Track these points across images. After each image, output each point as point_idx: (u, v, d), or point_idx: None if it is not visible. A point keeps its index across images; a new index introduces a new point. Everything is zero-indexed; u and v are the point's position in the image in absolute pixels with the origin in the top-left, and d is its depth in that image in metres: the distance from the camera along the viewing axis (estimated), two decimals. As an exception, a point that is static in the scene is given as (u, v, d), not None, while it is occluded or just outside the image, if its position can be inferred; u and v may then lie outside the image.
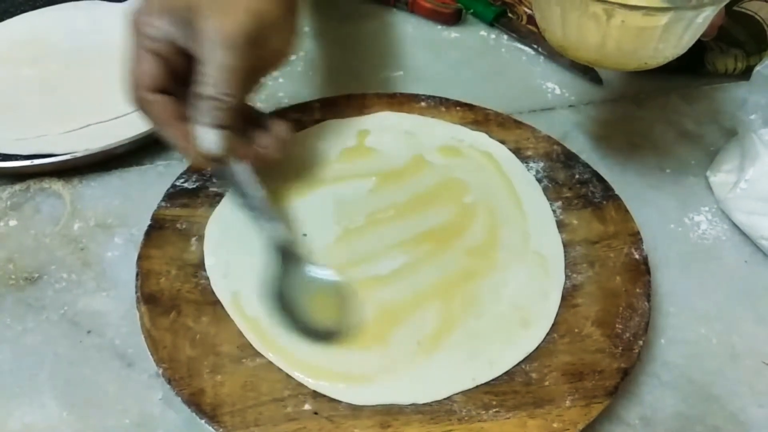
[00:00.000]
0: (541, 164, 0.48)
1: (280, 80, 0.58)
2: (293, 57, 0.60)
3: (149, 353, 0.36)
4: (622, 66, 0.42)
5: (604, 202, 0.45)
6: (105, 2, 0.63)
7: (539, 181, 0.47)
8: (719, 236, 0.47)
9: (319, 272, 0.40)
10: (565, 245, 0.43)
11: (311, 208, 0.45)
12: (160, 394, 0.37)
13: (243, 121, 0.38)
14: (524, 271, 0.42)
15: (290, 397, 0.35)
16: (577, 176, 0.47)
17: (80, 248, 0.44)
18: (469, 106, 0.52)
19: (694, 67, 0.59)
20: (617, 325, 0.39)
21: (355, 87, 0.56)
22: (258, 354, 0.37)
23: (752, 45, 0.57)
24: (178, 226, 0.43)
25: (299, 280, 0.39)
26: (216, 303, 0.39)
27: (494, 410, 0.35)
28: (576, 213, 0.45)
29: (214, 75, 0.34)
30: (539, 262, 0.42)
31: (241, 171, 0.39)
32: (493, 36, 0.65)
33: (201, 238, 0.42)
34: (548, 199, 0.46)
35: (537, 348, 0.38)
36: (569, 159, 0.49)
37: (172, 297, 0.39)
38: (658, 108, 0.57)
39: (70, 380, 0.38)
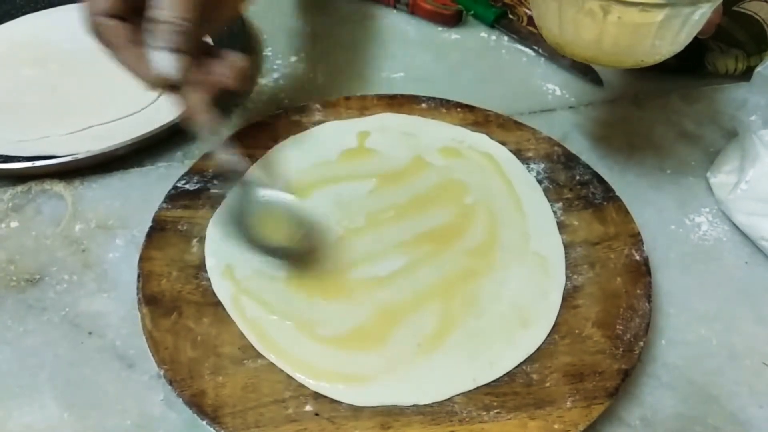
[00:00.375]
0: (542, 165, 0.48)
1: (281, 81, 0.58)
2: (294, 59, 0.60)
3: (150, 354, 0.36)
4: (618, 63, 0.42)
5: (605, 203, 0.46)
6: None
7: (540, 182, 0.47)
8: (719, 237, 0.47)
9: (275, 196, 0.40)
10: (566, 246, 0.43)
11: (312, 208, 0.45)
12: (161, 396, 0.37)
13: (199, 54, 0.38)
14: (525, 272, 0.42)
15: (291, 398, 0.35)
16: (577, 177, 0.47)
17: (81, 249, 0.44)
18: (470, 108, 0.52)
19: (694, 67, 0.59)
20: (618, 326, 0.39)
21: (355, 88, 0.56)
22: (259, 355, 0.37)
23: (752, 45, 0.57)
24: (179, 227, 0.43)
25: (254, 205, 0.39)
26: (217, 304, 0.39)
27: (495, 411, 0.35)
28: (576, 214, 0.45)
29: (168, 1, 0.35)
30: (540, 263, 0.42)
31: (198, 101, 0.38)
32: (493, 37, 0.65)
33: (202, 240, 0.43)
34: (549, 200, 0.46)
35: (538, 349, 0.38)
36: (570, 160, 0.49)
37: (173, 298, 0.39)
38: (658, 109, 0.57)
39: (71, 381, 0.38)
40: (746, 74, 0.56)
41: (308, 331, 0.38)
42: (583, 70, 0.59)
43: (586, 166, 0.48)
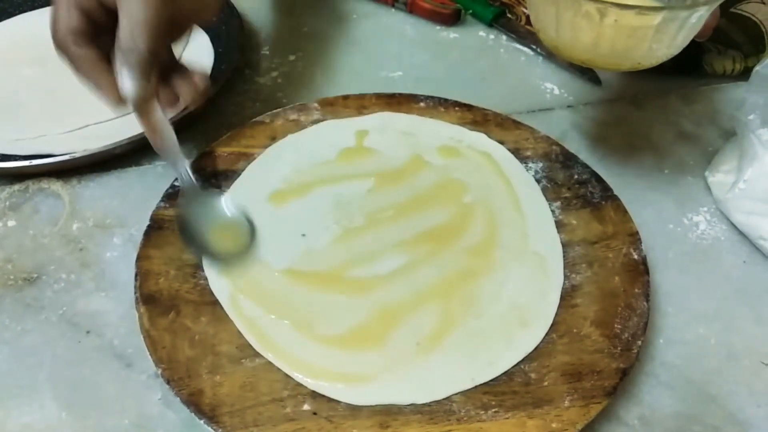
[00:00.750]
0: (540, 164, 0.48)
1: (279, 80, 0.58)
2: (292, 57, 0.60)
3: (148, 353, 0.36)
4: (615, 66, 0.42)
5: (603, 203, 0.46)
6: (104, 2, 0.63)
7: (538, 181, 0.47)
8: (718, 236, 0.47)
9: (221, 208, 0.41)
10: (564, 245, 0.43)
11: (310, 208, 0.45)
12: (159, 395, 0.37)
13: (166, 69, 0.41)
14: (523, 271, 0.42)
15: (289, 397, 0.35)
16: (575, 176, 0.47)
17: (79, 248, 0.44)
18: (468, 107, 0.52)
19: (691, 69, 0.59)
20: (616, 326, 0.39)
21: (353, 87, 0.56)
22: (257, 354, 0.37)
23: (750, 46, 0.57)
24: (177, 226, 0.43)
25: (204, 216, 0.41)
26: (215, 303, 0.39)
27: (493, 410, 0.35)
28: (575, 213, 0.45)
29: (130, 27, 0.37)
30: (538, 263, 0.42)
31: (159, 119, 0.40)
32: (491, 36, 0.65)
33: (200, 239, 0.42)
34: (547, 199, 0.46)
35: (536, 348, 0.38)
36: (568, 159, 0.49)
37: (171, 297, 0.39)
38: (656, 108, 0.57)
39: (69, 381, 0.38)
40: (744, 75, 0.56)
41: (307, 330, 0.38)
42: (582, 69, 0.59)
43: (585, 166, 0.48)
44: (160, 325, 0.38)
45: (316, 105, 0.52)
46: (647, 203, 0.48)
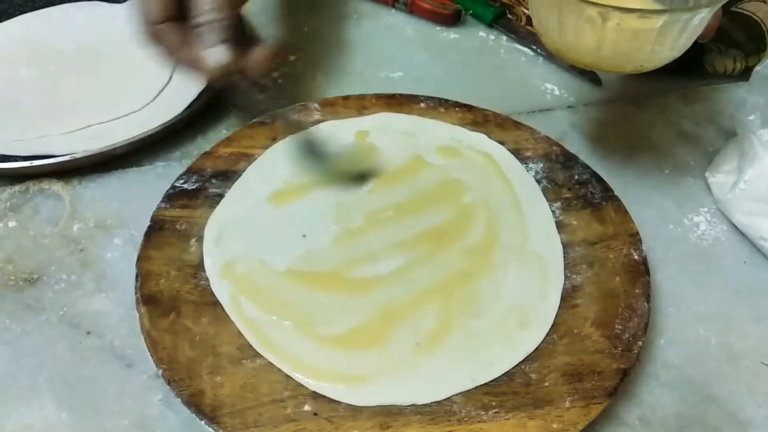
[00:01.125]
0: (540, 165, 0.48)
1: (280, 81, 0.58)
2: (293, 58, 0.60)
3: (149, 354, 0.36)
4: (618, 69, 0.42)
5: (604, 203, 0.46)
6: (104, 3, 0.63)
7: (538, 181, 0.47)
8: (718, 237, 0.47)
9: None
10: (565, 246, 0.43)
11: (310, 208, 0.45)
12: (159, 395, 0.37)
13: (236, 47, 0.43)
14: (523, 271, 0.42)
15: (290, 397, 0.35)
16: (576, 177, 0.47)
17: (80, 249, 0.44)
18: (468, 107, 0.52)
19: (692, 68, 0.59)
20: (616, 326, 0.39)
21: (354, 88, 0.56)
22: (258, 355, 0.37)
23: (751, 45, 0.57)
24: (178, 227, 0.43)
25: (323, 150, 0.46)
26: (215, 304, 0.39)
27: (494, 411, 0.35)
28: (575, 214, 0.45)
29: (209, 3, 0.41)
30: (538, 263, 0.42)
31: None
32: (492, 37, 0.65)
33: (200, 239, 0.42)
34: (547, 199, 0.46)
35: (536, 349, 0.38)
36: (568, 160, 0.49)
37: (172, 298, 0.39)
38: (657, 109, 0.57)
39: (70, 381, 0.38)
40: (745, 74, 0.56)
41: (307, 331, 0.38)
42: (582, 70, 0.59)
43: (585, 166, 0.48)
44: (160, 325, 0.38)
45: (316, 105, 0.52)
46: (648, 204, 0.48)
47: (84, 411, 0.37)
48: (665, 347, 0.41)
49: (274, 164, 0.47)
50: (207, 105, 0.52)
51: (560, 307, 0.40)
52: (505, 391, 0.36)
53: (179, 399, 0.35)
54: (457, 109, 0.52)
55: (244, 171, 0.47)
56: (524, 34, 0.63)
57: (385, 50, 0.63)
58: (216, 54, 0.41)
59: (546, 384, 0.36)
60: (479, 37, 0.65)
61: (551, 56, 0.61)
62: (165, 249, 0.42)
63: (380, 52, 0.62)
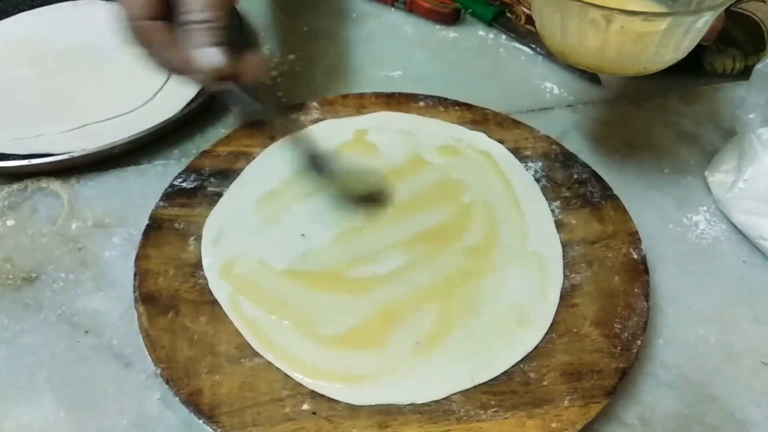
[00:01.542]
0: (540, 164, 0.48)
1: (279, 80, 0.58)
2: (292, 56, 0.60)
3: (147, 353, 0.36)
4: (622, 71, 0.42)
5: (603, 202, 0.45)
6: (102, 1, 0.63)
7: (538, 180, 0.47)
8: (717, 236, 0.47)
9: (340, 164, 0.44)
10: (564, 245, 0.43)
11: (310, 207, 0.45)
12: (158, 395, 0.37)
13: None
14: (523, 270, 0.42)
15: (288, 397, 0.35)
16: (575, 176, 0.47)
17: (78, 248, 0.44)
18: (468, 106, 0.52)
19: (692, 67, 0.59)
20: (616, 325, 0.39)
21: (353, 86, 0.56)
22: (256, 354, 0.37)
23: (750, 45, 0.57)
24: (176, 225, 0.43)
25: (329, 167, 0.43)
26: (214, 302, 0.39)
27: (493, 410, 0.35)
28: (574, 213, 0.45)
29: (203, 2, 0.38)
30: (537, 262, 0.42)
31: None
32: (491, 36, 0.65)
33: (199, 238, 0.42)
34: (547, 198, 0.46)
35: (535, 348, 0.38)
36: (568, 159, 0.49)
37: (170, 297, 0.39)
38: (656, 108, 0.57)
39: (68, 380, 0.38)
40: (744, 74, 0.57)
41: (306, 331, 0.38)
42: (581, 69, 0.59)
43: (584, 165, 0.48)
44: (159, 324, 0.38)
45: (315, 104, 0.52)
46: (647, 203, 0.48)
47: (82, 410, 0.37)
48: (664, 346, 0.41)
49: (273, 163, 0.47)
50: (206, 104, 0.52)
51: (559, 307, 0.40)
52: (504, 390, 0.36)
53: (178, 398, 0.35)
54: (456, 108, 0.52)
55: (243, 170, 0.47)
56: (524, 32, 0.63)
57: (385, 49, 0.62)
58: (209, 56, 0.38)
59: (545, 383, 0.36)
60: (479, 36, 0.65)
61: (551, 55, 0.61)
62: (163, 248, 0.41)
63: (379, 50, 0.62)
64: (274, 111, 0.44)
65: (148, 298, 0.39)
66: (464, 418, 0.35)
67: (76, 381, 0.38)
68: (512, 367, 0.37)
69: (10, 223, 0.46)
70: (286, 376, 0.36)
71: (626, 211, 0.45)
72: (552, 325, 0.39)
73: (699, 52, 0.58)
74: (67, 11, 0.62)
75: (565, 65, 0.60)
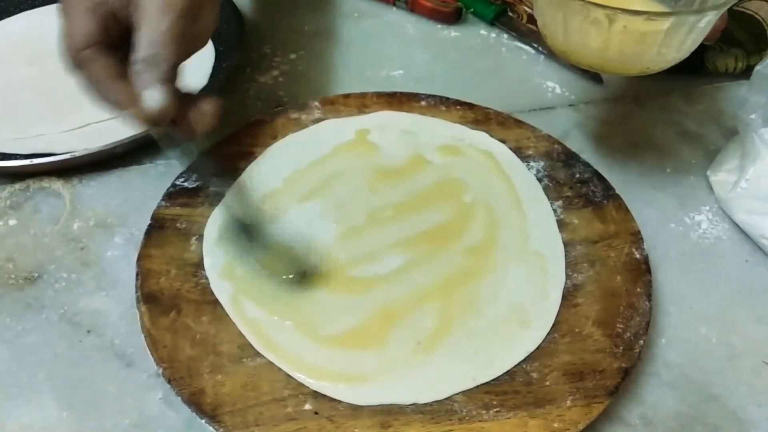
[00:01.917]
0: (542, 163, 0.48)
1: (280, 79, 0.58)
2: (293, 56, 0.60)
3: (149, 353, 0.36)
4: (624, 71, 0.42)
5: (605, 202, 0.45)
6: (104, 1, 0.63)
7: (539, 180, 0.47)
8: (720, 236, 0.47)
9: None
10: (566, 244, 0.43)
11: (311, 207, 0.45)
12: (159, 394, 0.37)
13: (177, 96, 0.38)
14: (524, 270, 0.42)
15: (290, 396, 0.35)
16: (577, 175, 0.47)
17: (80, 248, 0.44)
18: (469, 105, 0.52)
19: (694, 66, 0.59)
20: (618, 325, 0.39)
21: (354, 86, 0.56)
22: (258, 354, 0.37)
23: (752, 44, 0.57)
24: (178, 225, 0.43)
25: (262, 236, 0.41)
26: (216, 302, 0.39)
27: (495, 410, 0.35)
28: (576, 212, 0.45)
29: (152, 37, 0.35)
30: (539, 262, 0.42)
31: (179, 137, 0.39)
32: (493, 35, 0.65)
33: (201, 238, 0.42)
34: (548, 198, 0.46)
35: (537, 348, 0.38)
36: (569, 158, 0.48)
37: (172, 296, 0.39)
38: (658, 107, 0.57)
39: (70, 380, 0.38)
40: (746, 73, 0.56)
41: (308, 330, 0.38)
42: (583, 69, 0.59)
43: (586, 164, 0.48)
44: (161, 324, 0.38)
45: (317, 104, 0.52)
46: (649, 202, 0.48)
47: (84, 410, 0.37)
48: (666, 346, 0.41)
49: (275, 163, 0.47)
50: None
51: (561, 306, 0.40)
52: (506, 390, 0.36)
53: (180, 398, 0.35)
54: (458, 107, 0.52)
55: (244, 170, 0.47)
56: (525, 32, 0.63)
57: (386, 48, 0.62)
58: (153, 95, 0.35)
59: (547, 383, 0.36)
60: (480, 35, 0.65)
61: (552, 54, 0.61)
62: (165, 247, 0.41)
63: (381, 50, 0.62)
64: (207, 171, 0.41)
65: (150, 298, 0.39)
66: (466, 418, 0.35)
67: (78, 381, 0.38)
68: (514, 367, 0.37)
69: (12, 222, 0.46)
70: (288, 376, 0.36)
71: (628, 210, 0.45)
72: (554, 324, 0.39)
73: (701, 51, 0.58)
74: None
75: (567, 65, 0.60)
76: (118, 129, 0.49)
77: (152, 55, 0.35)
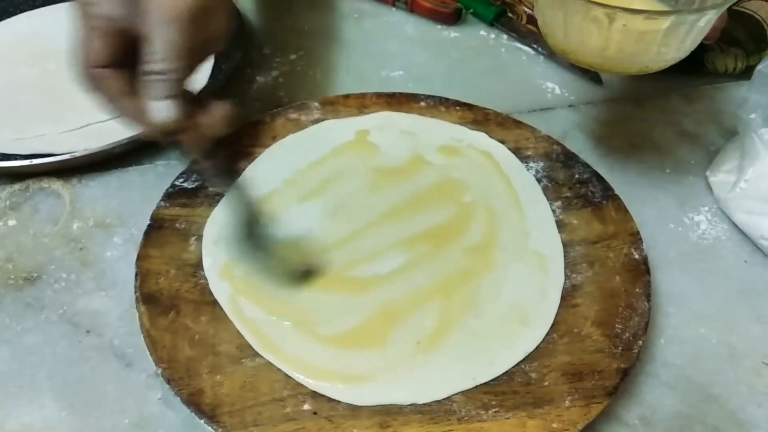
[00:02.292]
0: (541, 164, 0.48)
1: (280, 80, 0.58)
2: (293, 57, 0.60)
3: (148, 353, 0.36)
4: (624, 70, 0.42)
5: (604, 202, 0.45)
6: (104, 2, 0.63)
7: (539, 180, 0.47)
8: (719, 236, 0.47)
9: (281, 230, 0.42)
10: (565, 245, 0.43)
11: (311, 208, 0.45)
12: (159, 394, 0.37)
13: (187, 104, 0.38)
14: (523, 270, 0.42)
15: (289, 397, 0.35)
16: (576, 176, 0.47)
17: (79, 248, 0.44)
18: (469, 106, 0.52)
19: (693, 66, 0.59)
20: (617, 325, 0.39)
21: (354, 86, 0.56)
22: (257, 354, 0.37)
23: (752, 44, 0.57)
24: (177, 225, 0.43)
25: (264, 236, 0.41)
26: (215, 303, 0.39)
27: (494, 410, 0.35)
28: (575, 213, 0.45)
29: (161, 50, 0.35)
30: (538, 262, 0.42)
31: (195, 148, 0.39)
32: (492, 36, 0.65)
33: (200, 238, 0.42)
34: (548, 198, 0.46)
35: (536, 348, 0.38)
36: (569, 159, 0.48)
37: (171, 297, 0.39)
38: (657, 108, 0.57)
39: (69, 380, 0.38)
40: (746, 73, 0.56)
41: (307, 330, 0.38)
42: (583, 69, 0.59)
43: (586, 165, 0.48)
44: (160, 324, 0.38)
45: (316, 104, 0.52)
46: (648, 203, 0.48)
47: (84, 410, 0.37)
48: (666, 347, 0.41)
49: (274, 163, 0.47)
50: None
51: (560, 307, 0.40)
52: (505, 390, 0.36)
53: (179, 398, 0.35)
54: (457, 108, 0.52)
55: (244, 170, 0.47)
56: (525, 32, 0.63)
57: (386, 49, 0.62)
58: (162, 109, 0.36)
59: (546, 383, 0.36)
60: (480, 35, 0.65)
61: (552, 55, 0.61)
62: (165, 248, 0.42)
63: (381, 50, 0.62)
64: (221, 176, 0.41)
65: (149, 298, 0.39)
66: (465, 418, 0.35)
67: (78, 381, 0.38)
68: (513, 367, 0.37)
69: (11, 223, 0.46)
70: (287, 376, 0.36)
71: (627, 211, 0.45)
72: (553, 325, 0.39)
73: (701, 51, 0.58)
74: (68, 11, 0.62)
75: (567, 65, 0.60)
76: (117, 130, 0.48)
77: (160, 69, 0.35)
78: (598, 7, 0.38)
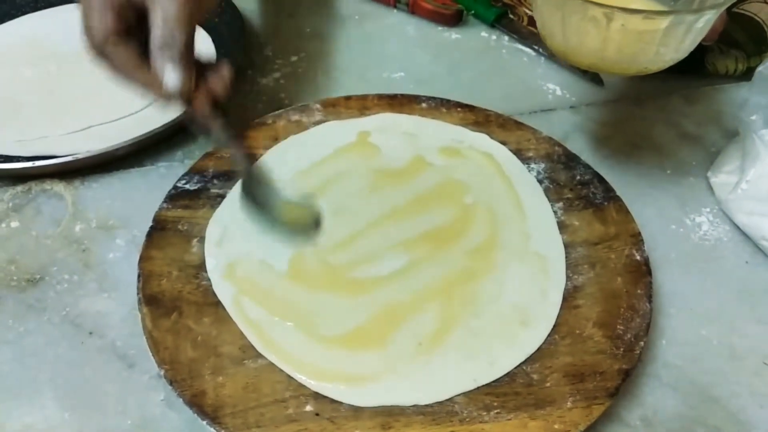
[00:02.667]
0: (542, 165, 0.48)
1: (281, 81, 0.58)
2: (294, 58, 0.60)
3: (150, 354, 0.36)
4: (623, 71, 0.42)
5: (605, 203, 0.45)
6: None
7: (540, 182, 0.47)
8: (720, 237, 0.47)
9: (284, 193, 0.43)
10: (566, 246, 0.43)
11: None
12: (161, 396, 0.37)
13: (194, 68, 0.40)
14: (525, 271, 0.42)
15: (292, 398, 0.35)
16: (578, 177, 0.47)
17: (82, 250, 0.44)
18: (470, 107, 0.52)
19: (694, 68, 0.59)
20: (618, 326, 0.39)
21: (355, 88, 0.56)
22: (259, 355, 0.37)
23: (752, 46, 0.57)
24: (180, 227, 0.43)
25: (270, 193, 0.43)
26: (217, 304, 0.39)
27: (495, 411, 0.35)
28: (577, 214, 0.45)
29: (166, 22, 0.37)
30: (540, 263, 0.42)
31: (206, 108, 0.41)
32: (493, 37, 0.65)
33: (202, 240, 0.43)
34: (549, 200, 0.46)
35: (538, 349, 0.38)
36: (570, 160, 0.49)
37: (174, 298, 0.39)
38: (659, 109, 0.57)
39: (71, 381, 0.38)
40: (746, 75, 0.57)
41: (309, 331, 0.38)
42: (584, 70, 0.59)
43: (587, 166, 0.48)
44: (162, 326, 0.38)
45: (318, 106, 0.52)
46: (649, 204, 0.48)
47: (86, 411, 0.37)
48: (667, 348, 0.41)
49: (276, 164, 0.47)
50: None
51: (562, 308, 0.40)
52: (507, 391, 0.36)
53: (181, 399, 0.35)
54: (458, 109, 0.52)
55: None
56: (526, 34, 0.63)
57: (387, 50, 0.63)
58: (172, 75, 0.38)
59: (548, 384, 0.36)
60: (481, 37, 0.65)
61: (553, 56, 0.61)
62: (167, 249, 0.42)
63: (382, 52, 0.62)
64: (228, 132, 0.42)
65: (151, 300, 0.39)
66: (467, 419, 0.35)
67: (80, 382, 0.38)
68: (515, 368, 0.37)
69: (14, 224, 0.46)
70: (289, 377, 0.36)
71: (629, 212, 0.45)
72: (554, 326, 0.39)
73: (701, 52, 0.58)
74: (70, 13, 0.62)
75: (568, 66, 0.60)
76: (119, 131, 0.49)
77: (167, 41, 0.37)
78: (596, 7, 0.38)
